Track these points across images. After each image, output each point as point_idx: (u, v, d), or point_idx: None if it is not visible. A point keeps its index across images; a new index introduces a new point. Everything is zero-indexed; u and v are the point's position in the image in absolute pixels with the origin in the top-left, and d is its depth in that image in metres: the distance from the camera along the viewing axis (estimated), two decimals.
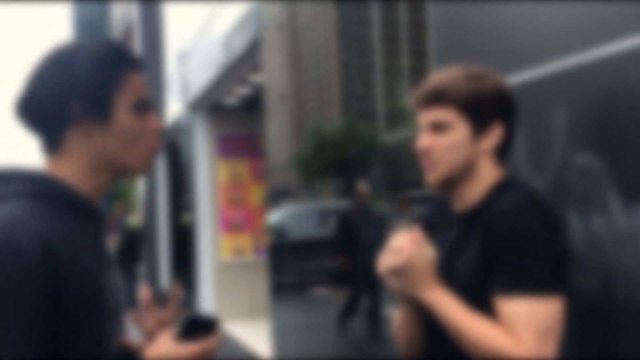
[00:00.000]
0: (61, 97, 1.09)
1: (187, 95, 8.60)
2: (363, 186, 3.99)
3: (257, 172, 8.36)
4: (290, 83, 5.42)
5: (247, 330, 7.03)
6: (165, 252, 10.71)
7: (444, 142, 1.38)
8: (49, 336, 0.97)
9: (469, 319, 1.27)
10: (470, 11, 2.21)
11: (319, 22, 4.73)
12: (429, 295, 1.32)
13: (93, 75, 1.10)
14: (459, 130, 1.37)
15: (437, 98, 1.38)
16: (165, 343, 1.20)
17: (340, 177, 4.59)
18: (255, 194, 8.49)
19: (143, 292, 1.33)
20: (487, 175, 1.40)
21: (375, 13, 3.88)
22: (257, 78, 6.51)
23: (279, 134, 5.59)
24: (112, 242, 9.55)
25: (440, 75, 1.41)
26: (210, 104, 8.35)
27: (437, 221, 1.52)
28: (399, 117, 3.76)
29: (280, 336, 5.25)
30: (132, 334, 1.31)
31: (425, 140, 1.40)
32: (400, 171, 3.64)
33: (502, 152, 1.43)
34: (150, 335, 1.34)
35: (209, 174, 8.57)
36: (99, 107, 1.11)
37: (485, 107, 1.37)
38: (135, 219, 10.56)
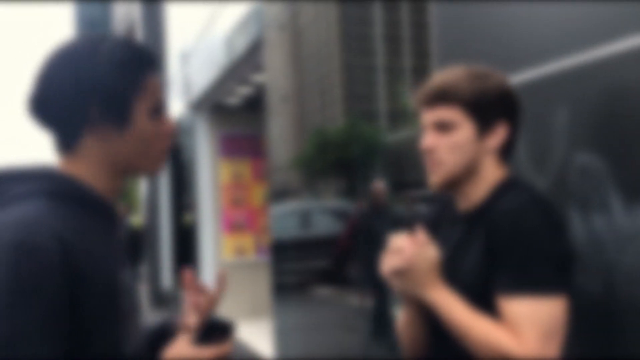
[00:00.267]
0: (80, 99, 1.07)
1: (189, 95, 8.61)
2: (378, 185, 3.78)
3: (259, 172, 8.36)
4: (292, 83, 5.43)
5: (249, 330, 7.03)
6: (167, 252, 10.71)
7: (449, 141, 1.38)
8: (66, 336, 0.97)
9: (472, 319, 1.27)
10: (472, 11, 2.21)
11: (321, 22, 4.73)
12: (431, 295, 1.32)
13: (115, 80, 1.08)
14: (464, 130, 1.37)
15: (441, 97, 1.38)
16: (183, 346, 1.20)
17: (342, 177, 4.60)
18: (257, 194, 8.50)
19: (185, 274, 1.31)
20: (490, 174, 1.40)
21: (377, 13, 3.88)
22: (259, 78, 6.52)
23: (281, 134, 5.59)
24: None
25: (444, 75, 1.41)
26: (212, 104, 8.35)
27: (441, 221, 1.52)
28: (401, 117, 3.76)
29: (282, 336, 5.25)
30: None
31: (430, 140, 1.40)
32: (403, 171, 3.64)
33: (506, 152, 1.43)
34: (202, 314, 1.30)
35: (210, 174, 8.58)
36: (118, 113, 1.09)
37: (489, 106, 1.37)
38: (137, 219, 10.58)
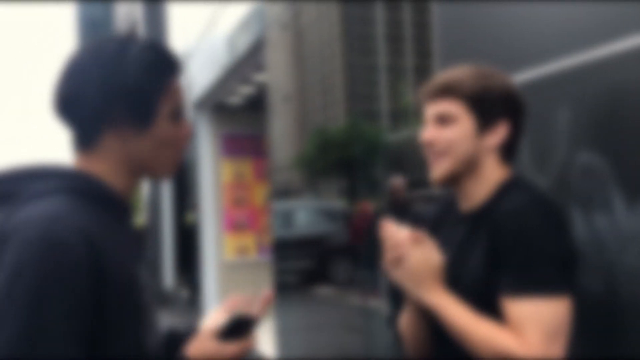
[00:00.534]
0: (106, 100, 1.07)
1: (191, 94, 8.61)
2: (398, 181, 3.59)
3: (261, 171, 8.37)
4: (294, 83, 5.43)
5: None
6: (169, 252, 10.72)
7: (448, 134, 1.38)
8: (89, 333, 0.97)
9: (473, 322, 1.26)
10: (473, 11, 2.21)
11: (323, 22, 4.73)
12: (432, 298, 1.31)
13: (141, 82, 1.08)
14: (464, 123, 1.37)
15: (445, 91, 1.39)
16: (206, 341, 1.20)
17: (344, 176, 4.60)
18: (259, 193, 8.51)
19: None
20: (492, 174, 1.40)
21: (379, 12, 3.88)
22: (260, 78, 6.52)
23: (282, 133, 5.59)
24: None
25: (450, 71, 1.43)
26: (214, 104, 8.36)
27: (443, 221, 1.51)
28: (403, 116, 3.76)
29: (284, 336, 5.25)
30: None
31: (429, 133, 1.40)
32: (404, 171, 3.64)
33: (509, 152, 1.43)
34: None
35: (212, 173, 8.59)
36: (141, 115, 1.10)
37: (492, 104, 1.37)
38: (139, 219, 10.60)
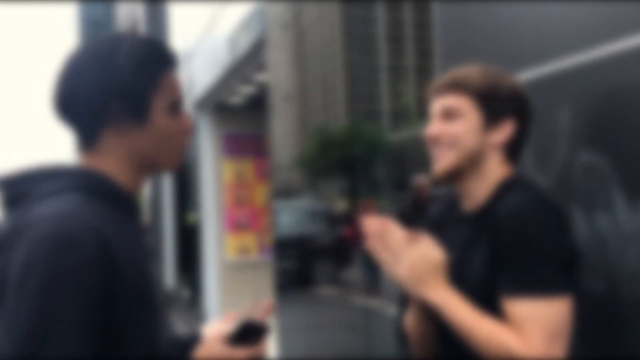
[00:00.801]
0: (101, 96, 1.09)
1: (192, 94, 8.62)
2: (422, 179, 3.41)
3: (262, 171, 8.37)
4: (295, 82, 5.43)
5: None
6: (170, 252, 10.73)
7: (453, 128, 1.38)
8: (101, 331, 0.97)
9: (477, 321, 1.25)
10: (474, 10, 2.21)
11: (324, 22, 4.73)
12: (433, 296, 1.30)
13: (134, 76, 1.09)
14: (470, 118, 1.37)
15: (452, 86, 1.39)
16: (216, 345, 1.20)
17: (345, 176, 4.60)
18: (260, 193, 8.51)
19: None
20: (494, 171, 1.39)
21: (380, 12, 3.88)
22: (261, 77, 6.52)
23: (283, 133, 5.59)
24: None
25: (458, 69, 1.43)
26: (215, 104, 8.36)
27: (446, 221, 1.51)
28: (403, 116, 3.76)
29: (285, 335, 5.25)
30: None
31: (435, 128, 1.40)
32: (406, 170, 3.64)
33: (513, 151, 1.42)
34: None
35: (214, 173, 8.59)
36: (137, 108, 1.11)
37: (499, 100, 1.37)
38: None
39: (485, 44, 2.14)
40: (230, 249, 8.50)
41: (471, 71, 1.40)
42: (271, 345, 5.64)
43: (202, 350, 1.21)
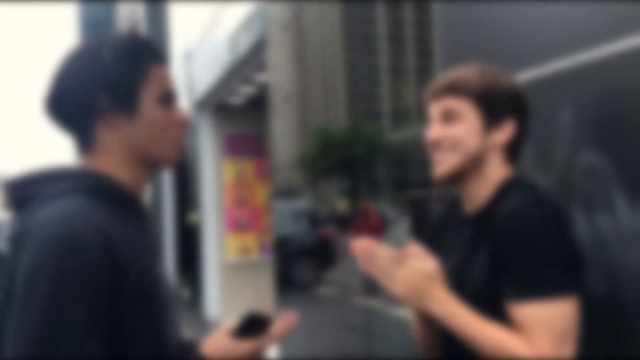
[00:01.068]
0: (88, 91, 1.10)
1: (193, 94, 8.62)
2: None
3: (262, 171, 8.37)
4: (296, 82, 5.43)
5: None
6: (171, 252, 10.73)
7: (455, 131, 1.36)
8: (110, 332, 0.97)
9: (481, 329, 1.24)
10: (475, 10, 2.21)
11: (324, 22, 4.73)
12: (435, 309, 1.27)
13: (118, 67, 1.11)
14: (470, 120, 1.36)
15: (451, 88, 1.38)
16: (222, 339, 1.21)
17: (345, 176, 4.59)
18: (260, 193, 8.51)
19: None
20: (495, 173, 1.38)
21: (380, 12, 3.88)
22: (262, 78, 6.52)
23: (284, 133, 5.59)
24: None
25: (455, 70, 1.42)
26: (215, 104, 8.36)
27: (448, 224, 1.50)
28: (404, 116, 3.76)
29: (286, 335, 5.25)
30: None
31: (435, 131, 1.38)
32: (406, 170, 3.64)
33: (513, 152, 1.41)
34: None
35: (214, 173, 8.59)
36: (125, 99, 1.11)
37: (498, 101, 1.36)
38: None
39: (485, 44, 2.14)
40: (230, 249, 8.50)
41: (469, 72, 1.39)
42: (271, 345, 5.63)
43: (209, 344, 1.22)
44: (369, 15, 3.99)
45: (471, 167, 1.37)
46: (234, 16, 6.50)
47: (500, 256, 1.26)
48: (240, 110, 8.42)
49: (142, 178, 1.18)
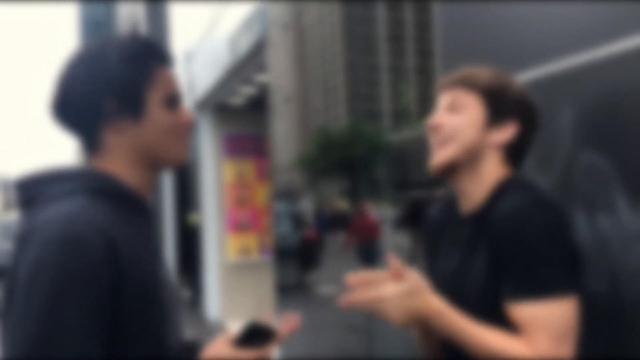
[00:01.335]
0: (94, 95, 1.09)
1: (193, 95, 8.62)
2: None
3: (263, 171, 8.36)
4: (296, 83, 5.42)
5: None
6: (171, 252, 10.73)
7: (456, 120, 1.38)
8: (110, 332, 0.97)
9: (479, 334, 1.23)
10: (475, 10, 2.21)
11: (325, 22, 4.73)
12: (434, 324, 1.25)
13: (124, 71, 1.10)
14: (474, 113, 1.37)
15: (462, 81, 1.40)
16: (222, 346, 1.21)
17: (345, 176, 4.59)
18: (261, 193, 8.50)
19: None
20: (492, 172, 1.38)
21: (380, 12, 3.88)
22: (262, 78, 6.52)
23: (284, 133, 5.59)
24: None
25: (470, 67, 1.45)
26: (215, 104, 8.36)
27: (446, 224, 1.50)
28: (404, 116, 3.76)
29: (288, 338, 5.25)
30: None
31: (437, 117, 1.41)
32: (406, 170, 3.64)
33: (513, 155, 1.41)
34: None
35: (214, 173, 8.58)
36: (132, 103, 1.11)
37: (505, 101, 1.38)
38: None
39: (485, 44, 2.14)
40: (231, 250, 8.50)
41: (483, 70, 1.42)
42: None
43: (209, 351, 1.21)
44: (369, 15, 3.99)
45: (467, 160, 1.37)
46: (234, 16, 6.50)
47: (499, 256, 1.26)
48: (240, 110, 8.42)
49: (148, 179, 1.17)
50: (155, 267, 1.10)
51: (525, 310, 1.21)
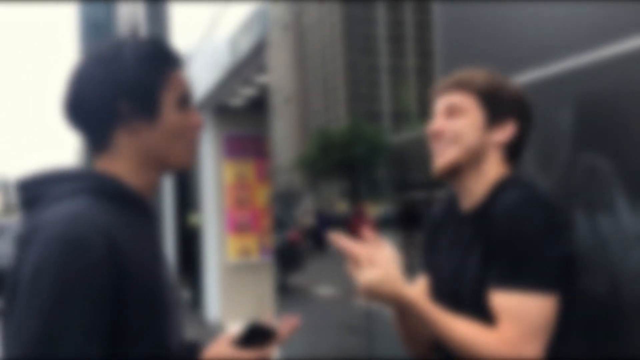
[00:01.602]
0: (109, 97, 1.10)
1: (193, 96, 8.61)
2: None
3: (263, 172, 8.37)
4: (296, 83, 5.43)
5: None
6: (172, 253, 10.73)
7: (457, 124, 1.39)
8: (112, 332, 0.98)
9: (449, 324, 1.23)
10: (475, 11, 2.21)
11: (325, 23, 4.73)
12: (404, 309, 1.27)
13: (140, 74, 1.11)
14: (473, 115, 1.39)
15: (458, 84, 1.41)
16: (223, 347, 1.21)
17: (345, 177, 4.59)
18: (261, 194, 8.50)
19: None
20: (492, 170, 1.39)
21: (380, 13, 3.88)
22: (262, 79, 6.52)
23: (284, 134, 5.59)
24: None
25: (464, 70, 1.46)
26: (215, 105, 8.36)
27: (446, 222, 1.50)
28: (404, 117, 3.75)
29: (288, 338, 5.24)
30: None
31: (437, 123, 1.41)
32: (406, 171, 3.64)
33: (512, 154, 1.43)
34: None
35: (214, 174, 8.59)
36: (147, 105, 1.12)
37: (502, 101, 1.39)
38: None
39: (485, 44, 2.14)
40: (231, 251, 8.50)
41: (477, 72, 1.43)
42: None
43: (209, 352, 1.22)
44: (369, 15, 3.99)
45: (470, 162, 1.39)
46: (234, 17, 6.50)
47: (492, 248, 1.26)
48: (240, 111, 8.42)
49: (153, 181, 1.18)
50: (157, 268, 1.11)
51: (503, 298, 1.21)
